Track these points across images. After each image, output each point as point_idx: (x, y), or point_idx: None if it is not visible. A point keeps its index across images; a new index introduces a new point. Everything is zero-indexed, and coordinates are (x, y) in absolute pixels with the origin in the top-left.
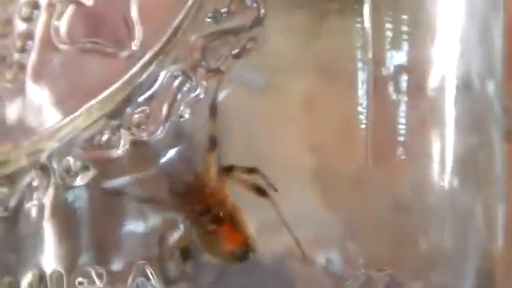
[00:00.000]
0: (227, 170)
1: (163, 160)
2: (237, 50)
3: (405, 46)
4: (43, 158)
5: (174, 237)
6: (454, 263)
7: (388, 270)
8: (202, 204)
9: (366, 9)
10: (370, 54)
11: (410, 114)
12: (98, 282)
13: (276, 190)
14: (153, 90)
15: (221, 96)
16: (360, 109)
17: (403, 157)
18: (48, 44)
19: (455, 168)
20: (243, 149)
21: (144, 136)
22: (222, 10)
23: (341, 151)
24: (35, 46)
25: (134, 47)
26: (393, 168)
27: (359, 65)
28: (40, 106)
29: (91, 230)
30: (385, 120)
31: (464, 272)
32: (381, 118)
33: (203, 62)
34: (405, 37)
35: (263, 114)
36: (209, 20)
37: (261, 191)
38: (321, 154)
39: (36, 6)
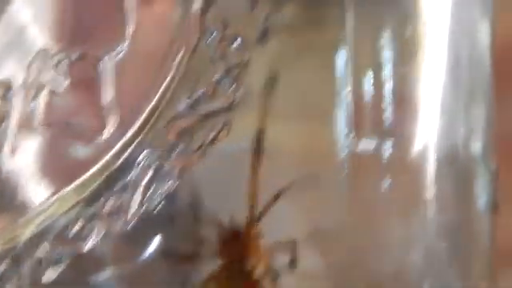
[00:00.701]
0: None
1: (146, 253)
2: (212, 136)
3: (387, 120)
4: (16, 246)
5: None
6: None
7: None
8: (240, 255)
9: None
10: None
11: (392, 189)
12: None
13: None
14: (127, 178)
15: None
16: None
17: (382, 231)
18: (22, 128)
19: (437, 243)
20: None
21: (116, 227)
22: (198, 94)
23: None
24: (10, 128)
25: (109, 132)
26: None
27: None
28: (15, 190)
29: None
30: (365, 192)
31: None
32: (361, 190)
33: (178, 148)
34: (387, 110)
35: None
36: (185, 104)
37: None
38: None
39: (10, 88)
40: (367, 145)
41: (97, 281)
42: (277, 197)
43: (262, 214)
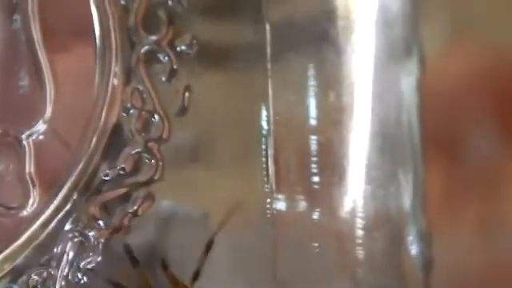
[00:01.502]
0: None
1: None
2: (135, 208)
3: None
4: None
5: None
6: None
7: None
8: None
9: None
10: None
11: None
12: None
13: None
14: (51, 251)
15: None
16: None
17: None
18: None
19: None
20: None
21: None
22: (118, 168)
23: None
24: None
25: (30, 207)
26: None
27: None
28: None
29: None
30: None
31: None
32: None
33: (101, 221)
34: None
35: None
36: (106, 178)
37: None
38: None
39: None
40: (292, 205)
41: None
42: (208, 247)
43: (195, 278)
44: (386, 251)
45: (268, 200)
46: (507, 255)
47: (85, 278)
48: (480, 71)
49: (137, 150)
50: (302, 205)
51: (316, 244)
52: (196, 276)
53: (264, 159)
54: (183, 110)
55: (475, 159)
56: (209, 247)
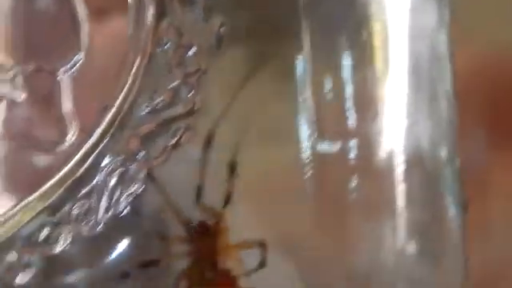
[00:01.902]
0: None
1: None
2: (175, 140)
3: (350, 122)
4: None
5: None
6: None
7: None
8: (211, 250)
9: (308, 82)
10: (314, 131)
11: (358, 192)
12: None
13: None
14: (91, 183)
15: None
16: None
17: (353, 234)
18: None
19: (410, 244)
20: None
21: (84, 231)
22: (158, 101)
23: (290, 221)
24: None
25: (69, 141)
26: (344, 244)
27: (305, 141)
28: None
29: None
30: (332, 197)
31: None
32: (327, 194)
33: (141, 153)
34: (349, 113)
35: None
36: (145, 111)
37: None
38: (270, 224)
39: None
40: (331, 146)
41: (65, 283)
42: (232, 168)
43: (226, 202)
44: (423, 187)
45: (307, 141)
46: None
47: (126, 210)
48: (480, 71)
49: (175, 83)
50: (341, 145)
51: (355, 182)
52: (227, 200)
53: (301, 98)
54: (219, 43)
55: None
56: (233, 168)
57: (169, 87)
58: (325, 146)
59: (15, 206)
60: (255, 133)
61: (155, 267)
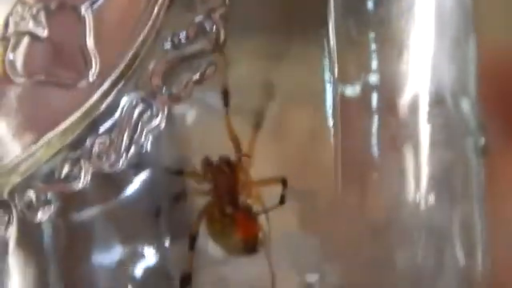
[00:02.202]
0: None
1: (130, 190)
2: (197, 76)
3: (373, 64)
4: (4, 193)
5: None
6: (431, 284)
7: None
8: (232, 185)
9: (331, 28)
10: (336, 74)
11: (381, 133)
12: None
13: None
14: (113, 119)
15: (184, 121)
16: (329, 130)
17: (376, 176)
18: (4, 78)
19: (430, 185)
20: None
21: (106, 167)
22: (181, 36)
23: (312, 174)
24: None
25: (92, 77)
26: (366, 188)
27: (326, 85)
28: None
29: (57, 263)
30: (355, 140)
31: None
32: (351, 139)
33: (163, 89)
34: (373, 55)
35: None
36: (167, 46)
37: None
38: (292, 177)
39: None
40: (354, 90)
41: (83, 218)
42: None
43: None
44: (445, 129)
45: (330, 85)
46: None
47: (149, 143)
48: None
49: (198, 18)
50: (363, 87)
51: (378, 123)
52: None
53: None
54: None
55: None
56: (270, 90)
57: (192, 22)
58: (348, 90)
59: (36, 143)
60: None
61: (184, 201)
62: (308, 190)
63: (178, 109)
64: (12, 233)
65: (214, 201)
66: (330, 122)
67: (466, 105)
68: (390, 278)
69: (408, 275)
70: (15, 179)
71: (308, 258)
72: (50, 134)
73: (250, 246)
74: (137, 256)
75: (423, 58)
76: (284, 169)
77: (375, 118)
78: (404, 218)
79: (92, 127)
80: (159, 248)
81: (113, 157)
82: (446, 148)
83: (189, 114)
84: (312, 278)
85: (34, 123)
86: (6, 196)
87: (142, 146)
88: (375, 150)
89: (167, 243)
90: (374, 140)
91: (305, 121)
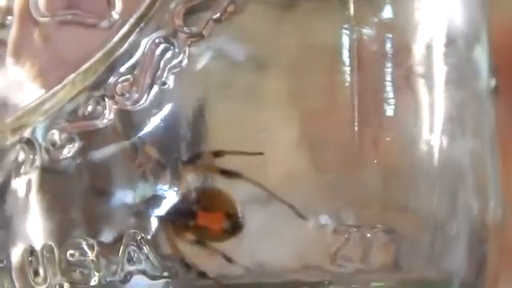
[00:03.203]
0: (192, 161)
1: (149, 127)
2: (218, 14)
3: (387, 4)
4: (28, 132)
5: None
6: (444, 225)
7: (380, 227)
8: (176, 217)
9: None
10: (352, 14)
11: (396, 73)
12: (89, 253)
13: (261, 153)
14: (135, 58)
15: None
16: (344, 70)
17: (390, 116)
18: (27, 18)
19: (443, 125)
20: (226, 121)
21: (128, 105)
22: None
23: (327, 114)
24: (14, 20)
25: (114, 16)
26: (380, 128)
27: (341, 26)
28: (22, 81)
29: (80, 201)
30: (370, 80)
31: (455, 235)
32: (366, 78)
33: (185, 28)
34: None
35: (245, 84)
36: None
37: (228, 173)
38: (306, 118)
39: None
40: (369, 31)
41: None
42: None
43: None
44: (458, 69)
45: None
46: None
47: (171, 82)
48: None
49: None
50: (378, 28)
51: (392, 63)
52: None
53: None
54: None
55: None
56: None
57: None
58: (364, 31)
59: (60, 82)
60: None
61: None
62: (323, 135)
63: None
64: (35, 172)
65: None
66: (346, 65)
67: (478, 50)
68: (404, 221)
69: (421, 218)
70: (39, 119)
71: (322, 200)
72: (73, 74)
73: (232, 227)
74: (159, 194)
75: (437, 1)
76: (299, 114)
77: (390, 59)
78: (418, 159)
79: (114, 66)
80: (181, 186)
81: (135, 95)
82: (458, 87)
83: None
84: (325, 219)
85: (57, 63)
86: (29, 135)
87: (163, 83)
88: (390, 90)
89: (190, 180)
90: (388, 78)
91: (320, 64)
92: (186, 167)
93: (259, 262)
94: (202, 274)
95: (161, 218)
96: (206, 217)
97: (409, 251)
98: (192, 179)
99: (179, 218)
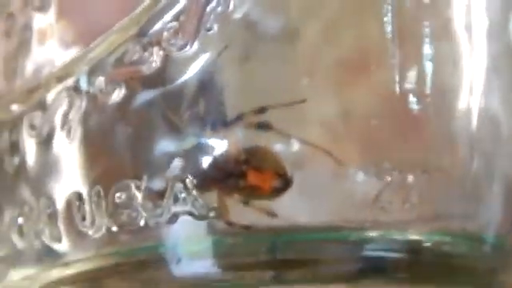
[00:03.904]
0: (238, 120)
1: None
2: None
3: None
4: (73, 80)
5: None
6: (479, 186)
7: (420, 173)
8: (225, 178)
9: None
10: None
11: (434, 23)
12: (137, 194)
13: (303, 101)
14: (182, 4)
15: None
16: (384, 21)
17: (429, 66)
18: None
19: (481, 76)
20: (267, 70)
21: (174, 51)
22: None
23: (365, 66)
24: None
25: None
26: (420, 79)
27: None
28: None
29: (127, 148)
30: (409, 32)
31: (491, 188)
32: (405, 30)
33: None
34: None
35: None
36: None
37: (266, 126)
38: (345, 69)
39: None
40: None
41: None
42: None
43: None
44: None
45: None
46: None
47: (215, 28)
48: None
49: None
50: None
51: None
52: None
53: None
54: None
55: None
56: None
57: None
58: None
59: (106, 30)
60: None
61: None
62: (361, 87)
63: None
64: (82, 118)
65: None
66: (386, 16)
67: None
68: (439, 181)
69: (454, 174)
70: (84, 67)
71: (361, 149)
72: (120, 21)
73: (282, 186)
74: (203, 145)
75: None
76: (337, 64)
77: (429, 10)
78: (458, 110)
79: (161, 13)
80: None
81: (181, 41)
82: (494, 40)
83: None
84: (365, 166)
85: (104, 11)
86: (75, 83)
87: (209, 29)
88: (429, 41)
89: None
90: (427, 31)
91: (361, 28)
92: (230, 123)
93: (299, 216)
94: (247, 227)
95: (207, 176)
96: (256, 176)
97: (447, 200)
98: (236, 137)
99: (228, 178)
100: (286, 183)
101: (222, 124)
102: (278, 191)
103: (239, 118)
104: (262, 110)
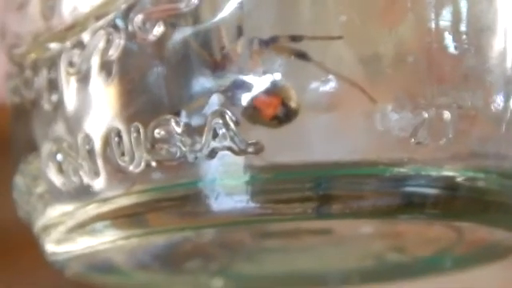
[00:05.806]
0: (271, 42)
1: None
2: None
3: None
4: (111, 18)
5: None
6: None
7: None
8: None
9: None
10: None
11: None
12: (176, 129)
13: (340, 37)
14: None
15: None
16: None
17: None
18: None
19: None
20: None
21: None
22: None
23: (403, 7)
24: None
25: None
26: (455, 14)
27: None
28: None
29: (165, 84)
30: None
31: None
32: None
33: None
34: None
35: None
36: None
37: (304, 56)
38: (383, 17)
39: None
40: None
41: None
42: None
43: None
44: None
45: None
46: None
47: None
48: None
49: None
50: None
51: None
52: None
53: None
54: None
55: None
56: None
57: None
58: None
59: None
60: None
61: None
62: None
63: None
64: (120, 55)
65: None
66: None
67: None
68: (475, 119)
69: (491, 116)
70: (123, 4)
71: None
72: None
73: (286, 115)
74: (241, 79)
75: None
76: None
77: None
78: (493, 47)
79: None
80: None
81: None
82: None
83: None
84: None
85: None
86: (113, 21)
87: None
88: None
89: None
90: None
91: None
92: (261, 49)
93: (336, 153)
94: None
95: (242, 102)
96: (262, 100)
97: (482, 139)
98: (264, 61)
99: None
100: (287, 114)
101: (258, 44)
102: (278, 120)
103: (274, 39)
104: (297, 38)
